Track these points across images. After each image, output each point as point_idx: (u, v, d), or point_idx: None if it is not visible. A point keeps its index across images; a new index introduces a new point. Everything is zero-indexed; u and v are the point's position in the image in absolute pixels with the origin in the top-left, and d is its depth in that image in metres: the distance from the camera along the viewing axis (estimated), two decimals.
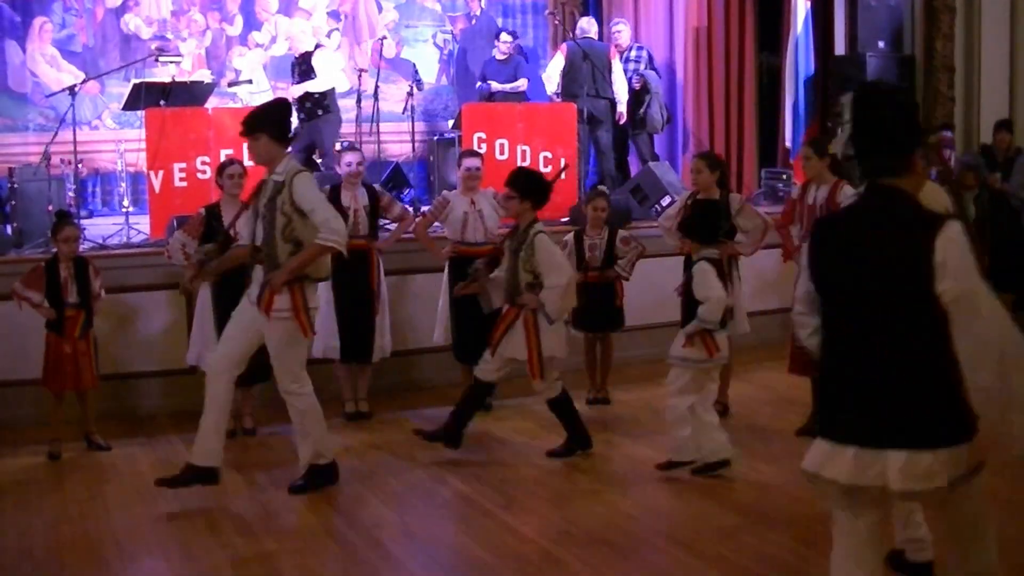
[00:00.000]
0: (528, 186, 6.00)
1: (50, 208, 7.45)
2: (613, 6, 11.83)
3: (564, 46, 9.98)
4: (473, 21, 11.52)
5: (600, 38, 10.61)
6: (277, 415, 6.68)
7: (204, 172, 7.69)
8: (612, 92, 9.89)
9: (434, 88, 12.03)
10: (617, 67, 9.95)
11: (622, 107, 9.95)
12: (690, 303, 5.73)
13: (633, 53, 10.46)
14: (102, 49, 10.79)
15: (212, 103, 9.33)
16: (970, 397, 2.98)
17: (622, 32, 10.60)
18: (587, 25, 10.26)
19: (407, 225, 7.24)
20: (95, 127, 10.58)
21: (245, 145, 7.74)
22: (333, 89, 9.66)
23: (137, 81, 9.29)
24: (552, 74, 9.95)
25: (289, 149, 5.68)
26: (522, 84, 10.21)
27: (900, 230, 3.02)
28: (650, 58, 10.57)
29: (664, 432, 6.58)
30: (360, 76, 9.99)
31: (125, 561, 4.77)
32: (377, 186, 7.50)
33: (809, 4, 10.55)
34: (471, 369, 7.16)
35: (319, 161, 9.50)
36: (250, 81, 10.82)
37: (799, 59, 10.62)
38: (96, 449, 6.36)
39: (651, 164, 9.54)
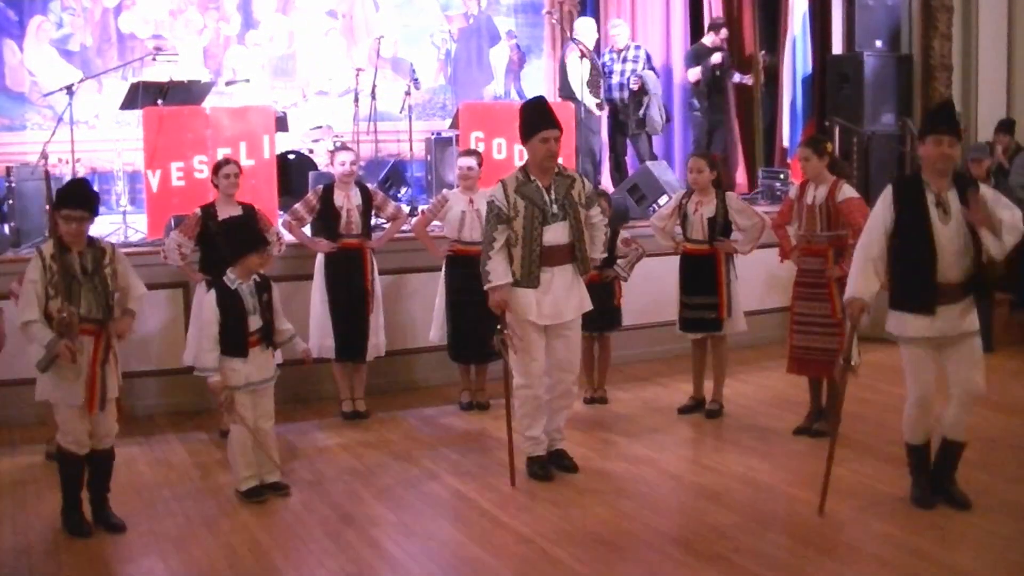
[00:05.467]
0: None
1: (47, 208, 7.43)
2: (610, 6, 11.83)
3: (574, 48, 9.92)
4: (471, 20, 11.52)
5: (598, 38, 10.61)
6: (275, 416, 6.69)
7: (201, 171, 7.67)
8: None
9: (432, 87, 12.05)
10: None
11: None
12: None
13: (631, 53, 10.41)
14: (100, 48, 10.81)
15: (210, 102, 9.32)
16: None
17: (619, 32, 10.56)
18: (580, 27, 10.25)
19: (400, 224, 7.24)
20: (93, 126, 10.58)
21: (242, 144, 7.88)
22: None
23: (135, 80, 9.28)
24: (576, 81, 9.88)
25: None
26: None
27: None
28: (648, 58, 10.54)
29: (662, 431, 6.61)
30: (357, 75, 9.99)
31: (122, 560, 4.76)
32: (371, 185, 7.49)
33: (807, 3, 10.55)
34: (468, 368, 7.19)
35: None
36: (248, 80, 10.82)
37: (797, 58, 10.63)
38: None
39: (649, 163, 9.53)
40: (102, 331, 4.95)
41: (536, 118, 5.54)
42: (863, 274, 4.99)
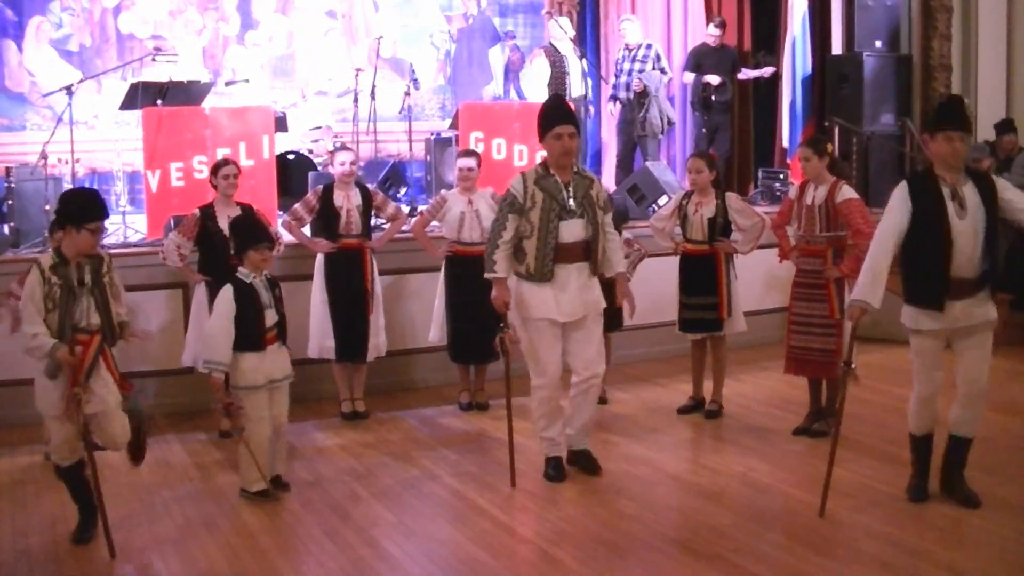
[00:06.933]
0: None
1: (47, 208, 7.44)
2: (611, 5, 11.82)
3: (543, 51, 9.94)
4: (470, 21, 11.51)
5: (596, 36, 10.60)
6: None
7: (201, 172, 7.67)
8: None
9: (431, 87, 12.04)
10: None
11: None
12: None
13: (641, 52, 10.27)
14: (99, 49, 10.80)
15: (209, 102, 9.32)
16: None
17: (628, 28, 10.44)
18: (553, 27, 10.24)
19: (400, 224, 7.24)
20: (92, 127, 10.57)
21: (242, 144, 7.89)
22: None
23: (134, 81, 9.28)
24: (540, 85, 9.89)
25: None
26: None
27: None
28: (657, 57, 10.39)
29: (662, 431, 6.61)
30: (357, 75, 9.99)
31: (122, 560, 4.76)
32: (371, 185, 7.50)
33: (807, 4, 10.54)
34: (467, 369, 7.19)
35: None
36: (247, 80, 10.82)
37: (796, 59, 10.62)
38: (92, 449, 6.33)
39: (648, 164, 9.52)
40: (92, 339, 4.88)
41: (549, 115, 5.56)
42: (874, 280, 4.90)
